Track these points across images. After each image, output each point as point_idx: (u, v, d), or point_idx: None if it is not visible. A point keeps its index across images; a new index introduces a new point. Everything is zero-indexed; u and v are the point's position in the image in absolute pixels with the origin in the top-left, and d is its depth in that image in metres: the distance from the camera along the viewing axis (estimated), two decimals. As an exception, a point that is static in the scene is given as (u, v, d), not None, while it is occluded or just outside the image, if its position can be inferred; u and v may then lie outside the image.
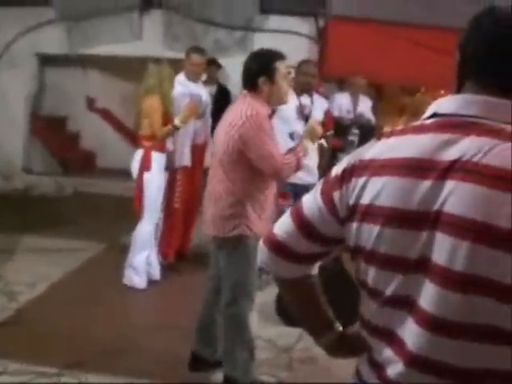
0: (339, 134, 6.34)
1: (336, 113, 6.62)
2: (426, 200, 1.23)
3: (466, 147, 1.22)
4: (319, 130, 3.88)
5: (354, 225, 1.34)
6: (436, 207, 1.22)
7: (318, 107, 5.61)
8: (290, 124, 5.13)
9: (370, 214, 1.30)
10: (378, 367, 1.36)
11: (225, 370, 3.74)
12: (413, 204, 1.24)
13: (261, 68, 3.51)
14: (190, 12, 8.58)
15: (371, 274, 1.33)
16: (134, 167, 5.31)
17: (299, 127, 5.12)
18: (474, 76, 1.32)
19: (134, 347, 4.27)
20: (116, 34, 8.68)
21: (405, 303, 1.28)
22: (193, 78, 5.85)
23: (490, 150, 1.19)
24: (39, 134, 9.86)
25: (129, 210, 5.53)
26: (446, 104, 1.33)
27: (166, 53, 7.94)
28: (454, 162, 1.22)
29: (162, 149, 5.32)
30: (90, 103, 10.73)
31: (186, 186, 5.90)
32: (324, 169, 5.56)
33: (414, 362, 1.26)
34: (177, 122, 5.28)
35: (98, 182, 9.28)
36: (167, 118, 5.31)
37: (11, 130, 9.28)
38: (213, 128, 4.80)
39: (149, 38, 8.77)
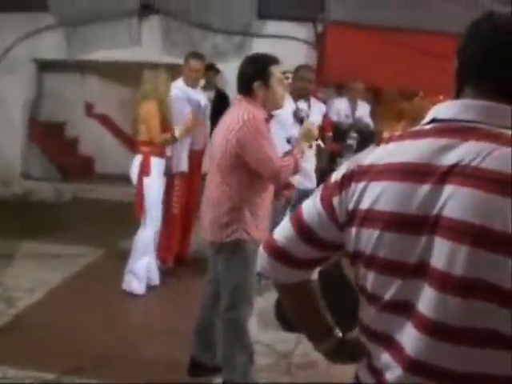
0: (338, 139, 6.36)
1: (334, 118, 6.64)
2: (425, 204, 1.23)
3: (464, 152, 1.22)
4: (315, 130, 3.88)
5: (354, 230, 1.35)
6: (435, 212, 1.22)
7: (316, 111, 5.62)
8: (287, 129, 5.14)
9: (369, 218, 1.31)
10: (376, 372, 1.36)
11: (224, 375, 3.73)
12: (412, 208, 1.25)
13: (256, 72, 3.51)
14: (188, 18, 8.59)
15: (370, 279, 1.33)
16: (133, 173, 5.30)
17: (296, 131, 5.13)
18: (472, 81, 1.33)
19: (133, 352, 4.26)
20: (114, 40, 8.69)
21: (404, 308, 1.28)
22: (191, 83, 5.86)
23: (489, 155, 1.20)
24: (38, 140, 9.85)
25: (128, 216, 5.53)
26: (445, 109, 1.33)
27: (165, 58, 7.95)
28: (453, 166, 1.22)
29: (160, 154, 5.32)
30: (89, 109, 10.74)
31: (184, 192, 5.90)
32: (322, 171, 5.57)
33: (413, 366, 1.26)
34: (177, 133, 5.30)
35: (97, 188, 9.28)
36: (165, 123, 5.32)
37: (10, 136, 9.28)
38: (211, 133, 4.80)
39: (147, 43, 8.78)
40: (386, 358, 1.33)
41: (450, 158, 1.23)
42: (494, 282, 1.15)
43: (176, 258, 6.00)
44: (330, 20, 7.89)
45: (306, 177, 5.24)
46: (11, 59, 9.10)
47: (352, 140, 6.57)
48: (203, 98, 6.09)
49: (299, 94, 5.46)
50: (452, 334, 1.21)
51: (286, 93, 3.85)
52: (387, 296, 1.30)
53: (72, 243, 6.50)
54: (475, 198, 1.18)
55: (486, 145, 1.21)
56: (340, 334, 1.65)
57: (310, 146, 4.01)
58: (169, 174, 5.56)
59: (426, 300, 1.24)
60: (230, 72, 7.42)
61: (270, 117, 3.73)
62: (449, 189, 1.21)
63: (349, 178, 1.37)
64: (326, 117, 5.87)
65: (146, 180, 5.21)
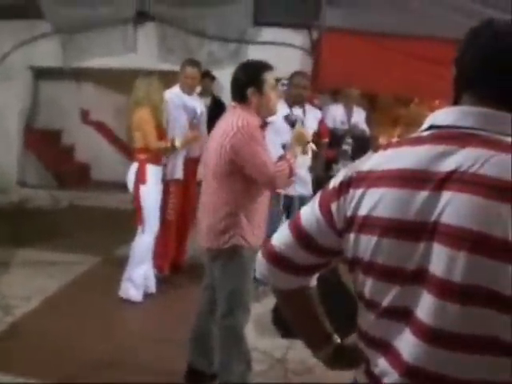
0: (333, 145, 6.36)
1: (330, 124, 6.64)
2: (424, 211, 1.24)
3: (462, 158, 1.23)
4: (307, 134, 3.89)
5: (352, 236, 1.35)
6: (433, 218, 1.22)
7: (311, 117, 5.63)
8: (281, 135, 5.15)
9: (367, 225, 1.31)
10: (374, 378, 1.36)
11: (221, 382, 3.73)
12: (410, 215, 1.25)
13: (249, 79, 3.52)
14: (183, 25, 8.60)
15: (369, 285, 1.33)
16: (130, 180, 5.29)
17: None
18: (470, 88, 1.33)
19: (130, 360, 4.25)
20: (110, 47, 8.69)
21: (402, 314, 1.28)
22: (187, 90, 5.87)
23: (487, 161, 1.20)
24: (34, 147, 9.85)
25: (124, 223, 5.52)
26: (443, 116, 1.34)
27: (161, 65, 7.97)
28: (451, 173, 1.22)
29: (157, 161, 5.30)
30: (85, 116, 10.75)
31: (180, 199, 5.89)
32: (319, 178, 5.58)
33: (410, 373, 1.26)
34: (177, 144, 5.30)
35: (93, 195, 9.27)
36: (160, 130, 5.31)
37: (5, 144, 9.28)
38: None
39: (143, 50, 8.78)
40: (383, 364, 1.33)
41: (448, 165, 1.24)
42: (493, 288, 1.15)
43: (172, 265, 5.99)
44: (325, 27, 7.90)
45: (300, 183, 5.24)
46: (7, 67, 9.09)
47: (347, 145, 6.57)
48: (199, 104, 6.10)
49: (294, 101, 5.48)
50: (451, 340, 1.21)
51: (279, 99, 3.85)
52: (385, 302, 1.30)
53: (68, 251, 6.48)
54: (473, 204, 1.18)
55: (485, 151, 1.22)
56: (338, 341, 1.65)
57: (305, 152, 4.01)
58: (164, 181, 5.56)
59: (425, 307, 1.24)
60: (225, 79, 7.41)
61: (265, 124, 3.74)
62: (447, 195, 1.21)
63: (347, 185, 1.37)
64: (321, 123, 5.88)
65: (142, 188, 5.19)
